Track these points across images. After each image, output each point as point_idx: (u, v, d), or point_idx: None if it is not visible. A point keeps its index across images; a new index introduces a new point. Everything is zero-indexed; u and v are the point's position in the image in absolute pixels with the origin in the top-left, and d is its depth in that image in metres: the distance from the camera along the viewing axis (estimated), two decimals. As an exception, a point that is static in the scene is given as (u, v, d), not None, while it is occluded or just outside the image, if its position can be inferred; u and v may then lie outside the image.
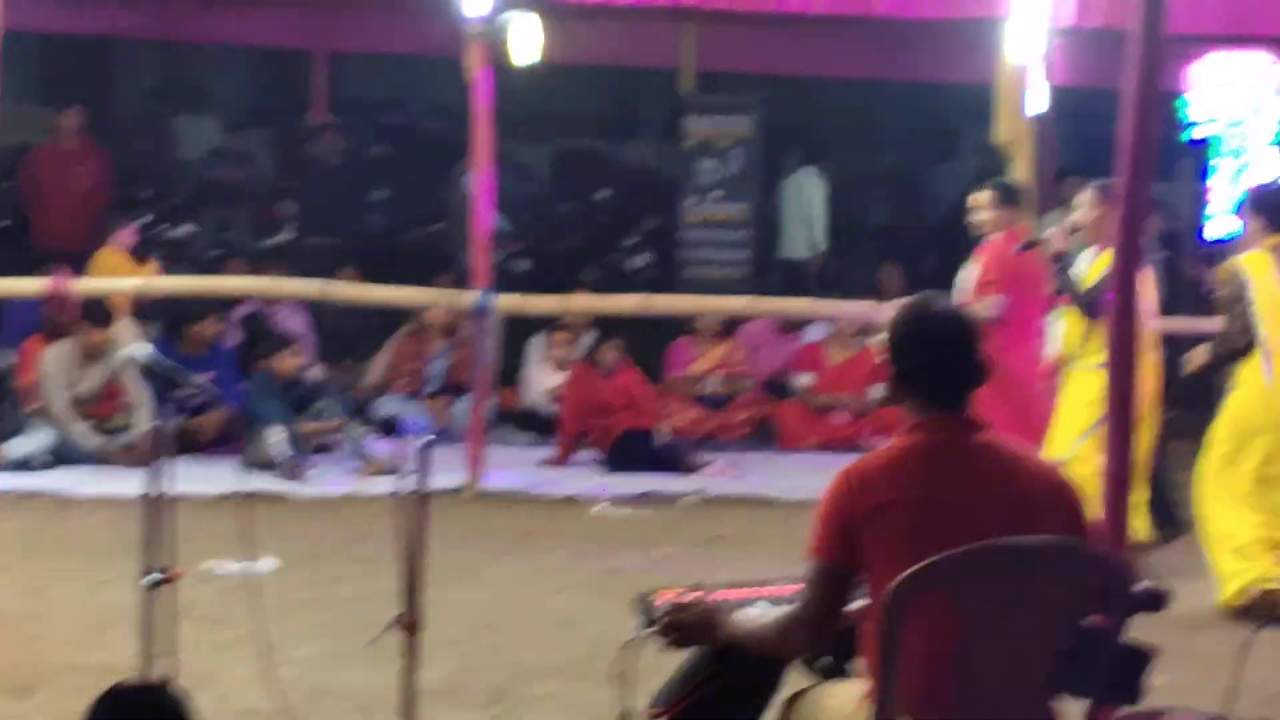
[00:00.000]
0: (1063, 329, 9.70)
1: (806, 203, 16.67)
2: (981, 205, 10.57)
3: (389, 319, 14.51)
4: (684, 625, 4.72)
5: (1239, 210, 9.16)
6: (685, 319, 14.27)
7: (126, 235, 14.06)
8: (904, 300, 4.83)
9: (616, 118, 21.40)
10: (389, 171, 18.61)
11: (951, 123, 20.35)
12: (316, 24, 16.32)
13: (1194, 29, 11.61)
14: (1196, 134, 17.83)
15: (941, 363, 4.60)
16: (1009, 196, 10.59)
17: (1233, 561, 8.88)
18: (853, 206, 18.64)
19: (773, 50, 16.10)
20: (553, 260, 17.49)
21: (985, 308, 10.21)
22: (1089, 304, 9.27)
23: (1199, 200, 17.49)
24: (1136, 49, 5.40)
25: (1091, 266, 9.47)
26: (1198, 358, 9.17)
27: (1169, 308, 14.57)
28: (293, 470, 11.79)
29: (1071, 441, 9.23)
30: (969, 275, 10.54)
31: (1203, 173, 17.98)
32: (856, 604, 4.57)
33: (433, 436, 5.40)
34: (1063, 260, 9.54)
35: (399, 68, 19.53)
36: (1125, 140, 5.45)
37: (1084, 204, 9.64)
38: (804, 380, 14.15)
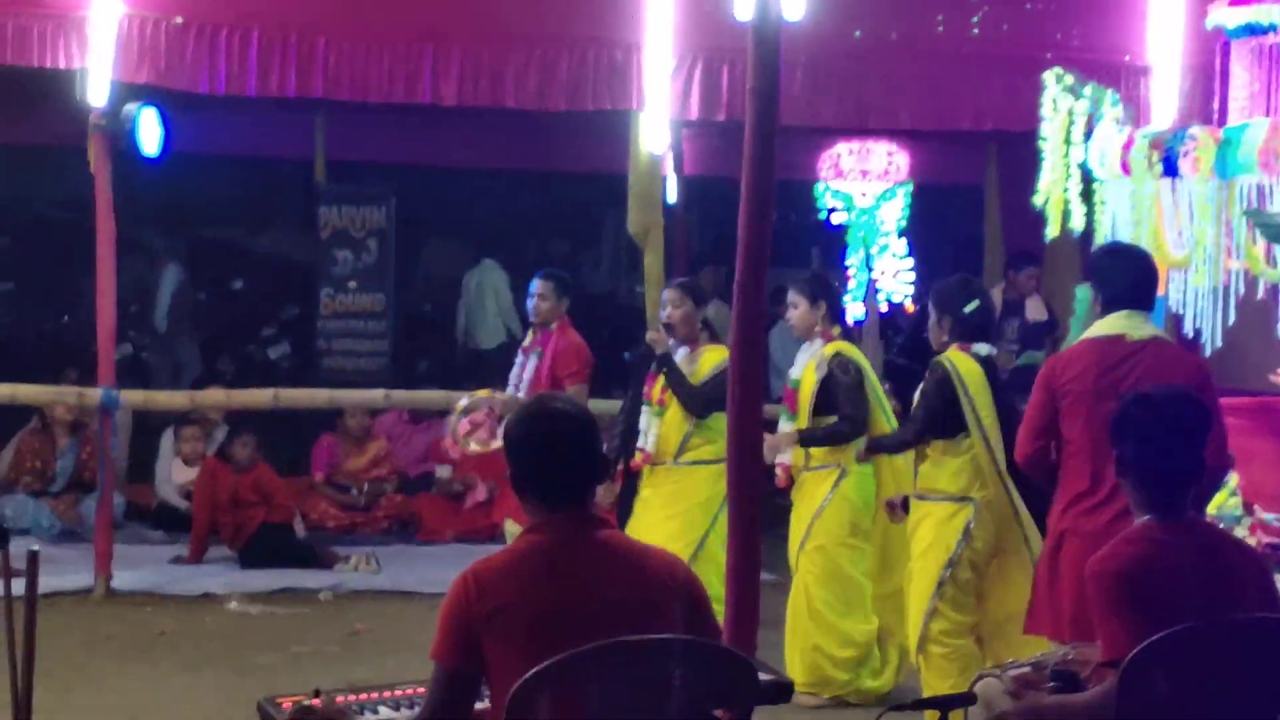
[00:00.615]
0: (658, 427, 9.61)
1: (493, 294, 16.72)
2: (543, 295, 10.45)
3: (12, 416, 14.05)
4: (305, 733, 4.60)
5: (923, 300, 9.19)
6: (330, 413, 14.06)
7: None
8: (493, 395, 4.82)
9: (252, 208, 21.14)
10: (12, 264, 18.11)
11: (592, 212, 20.54)
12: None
13: (817, 121, 11.87)
14: (832, 220, 18.28)
15: (558, 463, 4.58)
16: (565, 287, 10.52)
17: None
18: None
19: (406, 140, 16.06)
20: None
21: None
22: (701, 401, 9.32)
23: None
24: (750, 141, 5.49)
25: (696, 365, 9.53)
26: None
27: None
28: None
29: (699, 537, 9.28)
30: (529, 366, 10.36)
31: (839, 258, 18.43)
32: (482, 705, 4.53)
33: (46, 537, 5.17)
34: (669, 360, 9.53)
35: (23, 158, 19.00)
36: (742, 230, 5.52)
37: (669, 302, 9.64)
38: (443, 471, 14.07)
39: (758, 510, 5.73)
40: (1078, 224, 8.65)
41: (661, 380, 9.58)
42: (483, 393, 10.50)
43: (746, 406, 5.62)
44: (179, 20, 10.86)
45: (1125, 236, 8.41)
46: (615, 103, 11.44)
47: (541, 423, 4.64)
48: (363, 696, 5.03)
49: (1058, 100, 8.62)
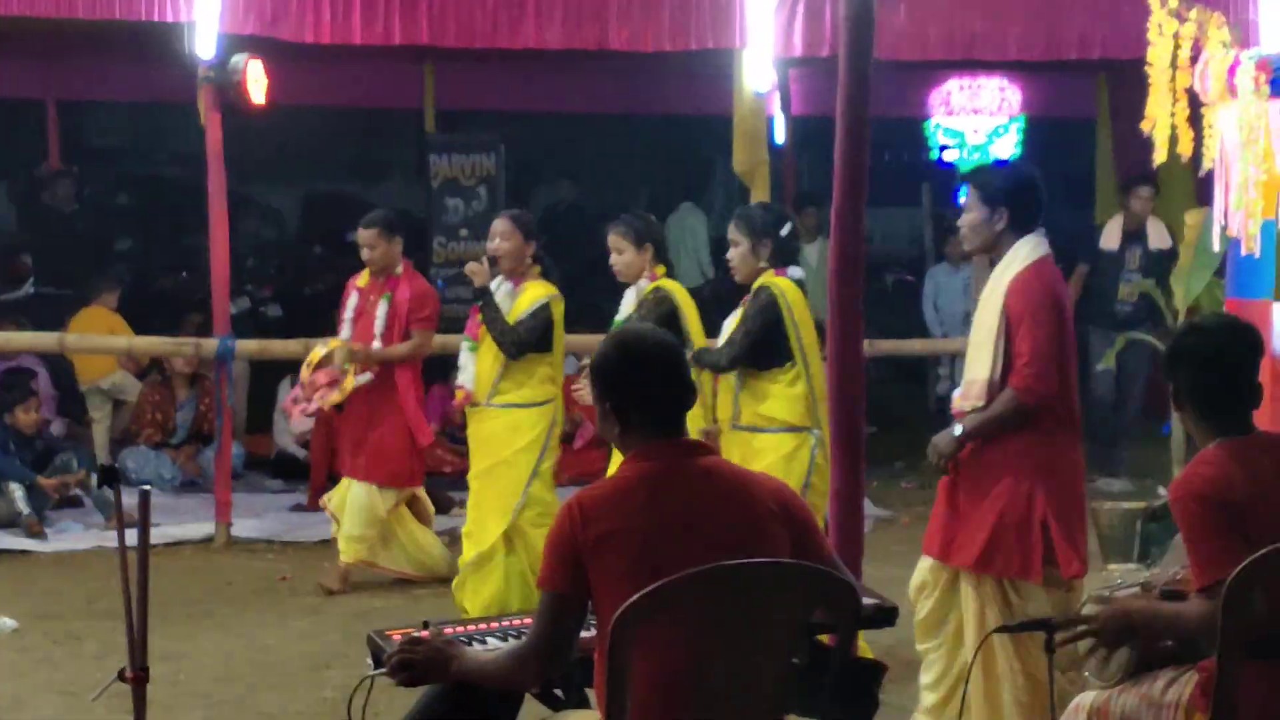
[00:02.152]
0: (475, 365, 9.33)
1: (691, 236, 16.83)
2: (371, 245, 10.16)
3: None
4: (415, 663, 4.66)
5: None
6: (443, 363, 14.13)
7: None
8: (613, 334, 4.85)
9: (365, 159, 21.29)
10: (132, 220, 18.33)
11: (703, 154, 20.53)
12: (51, 73, 16.03)
13: (922, 54, 11.78)
14: (944, 157, 18.21)
15: (657, 391, 4.61)
16: (394, 227, 10.23)
17: None
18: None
19: (513, 87, 16.14)
20: (305, 303, 17.32)
21: (419, 344, 10.13)
22: (511, 340, 9.01)
23: (941, 223, 17.85)
24: (844, 68, 5.48)
25: (515, 302, 9.17)
26: None
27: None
28: (33, 527, 11.53)
29: (522, 485, 9.08)
30: (380, 311, 10.12)
31: (951, 196, 18.37)
32: (588, 634, 4.58)
33: (149, 484, 5.22)
34: (486, 295, 9.13)
35: (140, 115, 19.29)
36: (839, 160, 5.52)
37: (498, 234, 9.26)
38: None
39: (860, 439, 5.74)
40: (1186, 149, 8.55)
41: (481, 314, 9.24)
42: (334, 343, 10.12)
43: (846, 337, 5.62)
44: None
45: (1234, 159, 8.33)
46: (718, 41, 11.40)
47: (637, 351, 4.66)
48: (470, 628, 5.10)
49: (1163, 25, 8.51)
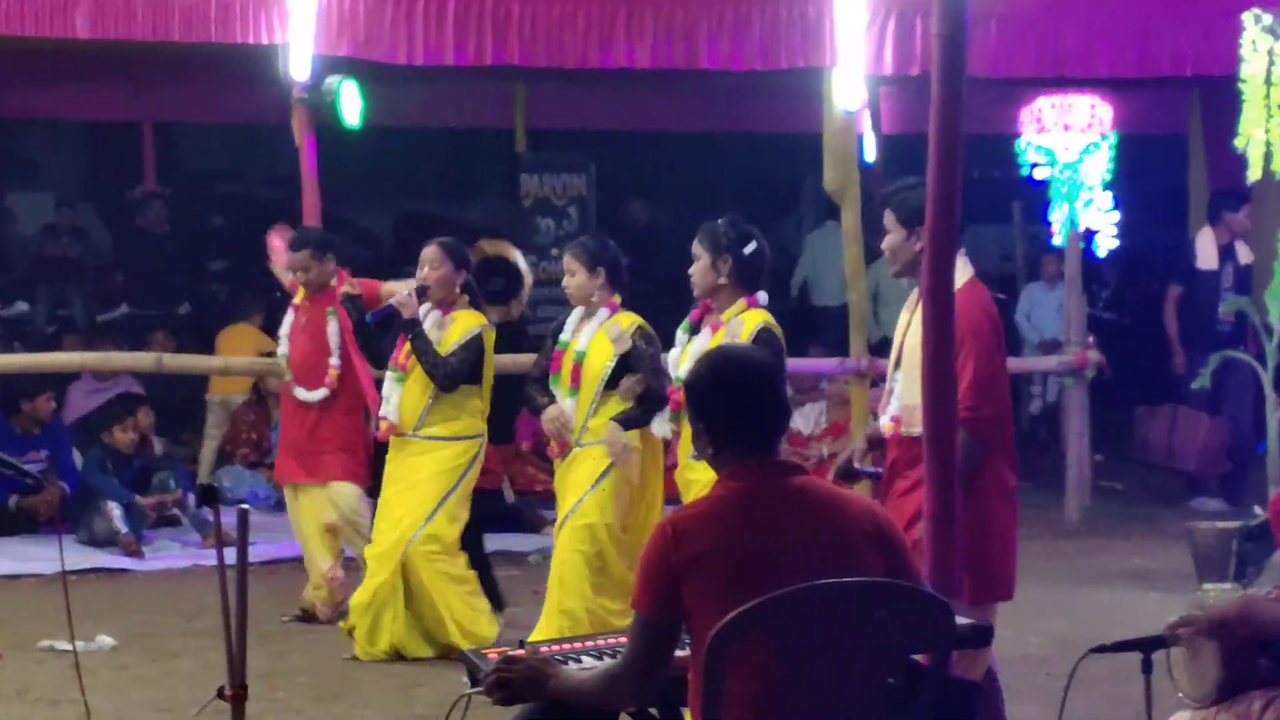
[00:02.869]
0: (399, 396, 9.08)
1: (837, 255, 16.78)
2: (305, 268, 9.93)
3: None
4: (511, 682, 4.68)
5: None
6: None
7: None
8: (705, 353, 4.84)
9: (456, 179, 21.36)
10: (226, 241, 18.47)
11: (792, 173, 20.50)
12: (146, 96, 16.18)
13: (1014, 72, 11.76)
14: (1035, 175, 18.12)
15: (749, 410, 4.61)
16: (324, 245, 10.02)
17: None
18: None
19: (604, 106, 16.18)
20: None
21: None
22: (445, 373, 8.83)
23: (1033, 241, 17.78)
24: (937, 86, 5.47)
25: (445, 332, 8.99)
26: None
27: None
28: (130, 546, 11.64)
29: (426, 512, 8.92)
30: (333, 328, 9.91)
31: (1042, 213, 18.28)
32: (682, 653, 4.59)
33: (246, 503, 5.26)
34: (416, 326, 8.91)
35: (234, 138, 19.45)
36: (931, 176, 5.50)
37: (427, 262, 9.04)
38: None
39: (954, 460, 5.69)
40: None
41: (408, 345, 8.98)
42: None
43: (940, 357, 5.58)
44: None
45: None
46: (809, 60, 11.41)
47: (731, 372, 4.68)
48: (566, 647, 5.12)
49: (1257, 41, 8.51)
